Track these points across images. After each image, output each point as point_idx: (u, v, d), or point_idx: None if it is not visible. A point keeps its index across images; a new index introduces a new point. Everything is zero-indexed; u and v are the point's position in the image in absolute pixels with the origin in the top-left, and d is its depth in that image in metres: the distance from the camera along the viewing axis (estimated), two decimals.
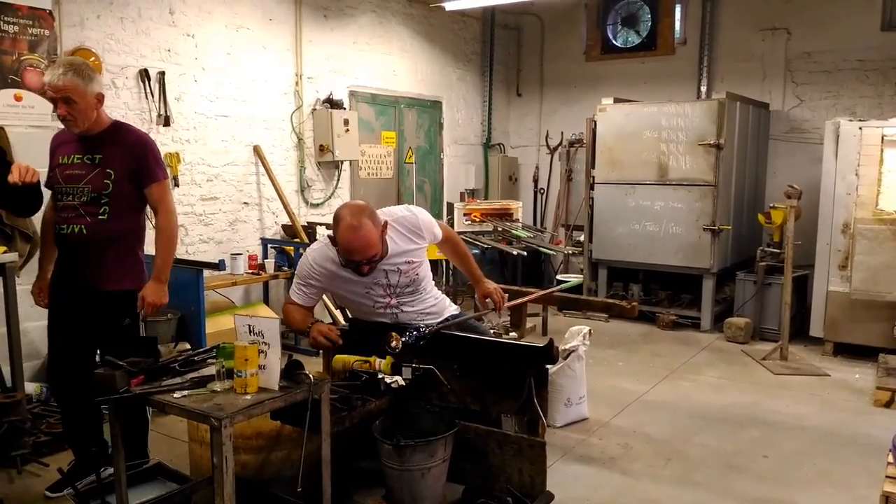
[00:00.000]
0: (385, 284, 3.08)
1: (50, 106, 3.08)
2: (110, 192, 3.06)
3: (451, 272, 7.28)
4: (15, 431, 3.61)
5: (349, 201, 3.06)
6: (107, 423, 3.19)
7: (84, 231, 3.06)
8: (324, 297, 4.48)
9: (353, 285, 3.08)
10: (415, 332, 2.92)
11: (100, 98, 3.05)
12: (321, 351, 3.31)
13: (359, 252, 2.87)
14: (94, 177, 3.05)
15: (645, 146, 6.69)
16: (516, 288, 5.01)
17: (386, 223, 2.97)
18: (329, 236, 3.01)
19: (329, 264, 3.06)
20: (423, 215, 3.19)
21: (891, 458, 2.65)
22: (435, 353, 2.98)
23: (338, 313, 5.60)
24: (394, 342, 2.86)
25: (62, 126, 3.13)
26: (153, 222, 3.29)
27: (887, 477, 2.60)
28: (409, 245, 3.08)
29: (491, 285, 3.50)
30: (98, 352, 3.22)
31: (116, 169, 3.07)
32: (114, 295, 3.14)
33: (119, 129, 3.18)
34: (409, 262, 3.08)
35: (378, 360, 2.92)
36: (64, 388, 3.25)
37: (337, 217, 2.91)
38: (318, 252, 3.10)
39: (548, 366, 2.95)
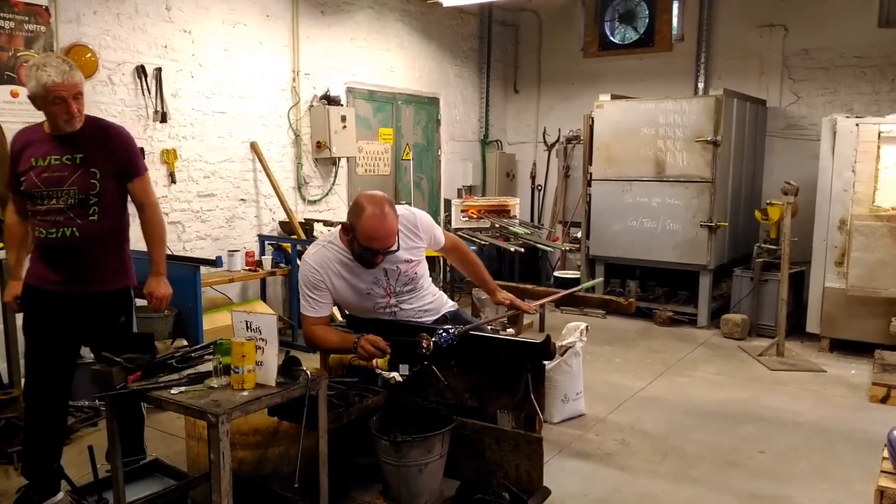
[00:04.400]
0: (385, 285, 3.07)
1: None
2: (98, 192, 2.98)
3: (448, 269, 7.29)
4: (11, 428, 3.62)
5: (367, 192, 2.99)
6: (99, 426, 3.22)
7: (77, 234, 2.97)
8: None
9: (354, 286, 3.04)
10: (443, 334, 2.87)
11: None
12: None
13: (381, 240, 2.84)
14: (79, 177, 2.95)
15: (642, 143, 6.70)
16: (513, 284, 5.01)
17: (398, 215, 2.97)
18: (343, 225, 2.95)
19: (331, 265, 3.00)
20: (421, 215, 3.18)
21: (886, 454, 2.66)
22: (432, 350, 2.98)
23: (335, 310, 5.59)
24: (424, 343, 2.82)
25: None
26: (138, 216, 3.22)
27: (882, 472, 2.61)
28: (408, 243, 3.07)
29: (507, 295, 3.42)
30: (89, 353, 3.20)
31: (101, 167, 2.98)
32: (109, 295, 3.10)
33: (95, 124, 3.08)
34: (408, 261, 3.07)
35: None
36: (43, 395, 3.13)
37: (359, 206, 2.86)
38: (318, 255, 3.03)
39: (545, 362, 2.95)
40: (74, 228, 2.97)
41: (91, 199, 2.98)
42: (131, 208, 3.22)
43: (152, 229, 3.18)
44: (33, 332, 3.14)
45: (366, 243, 2.85)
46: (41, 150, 2.97)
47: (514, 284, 4.86)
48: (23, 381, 3.63)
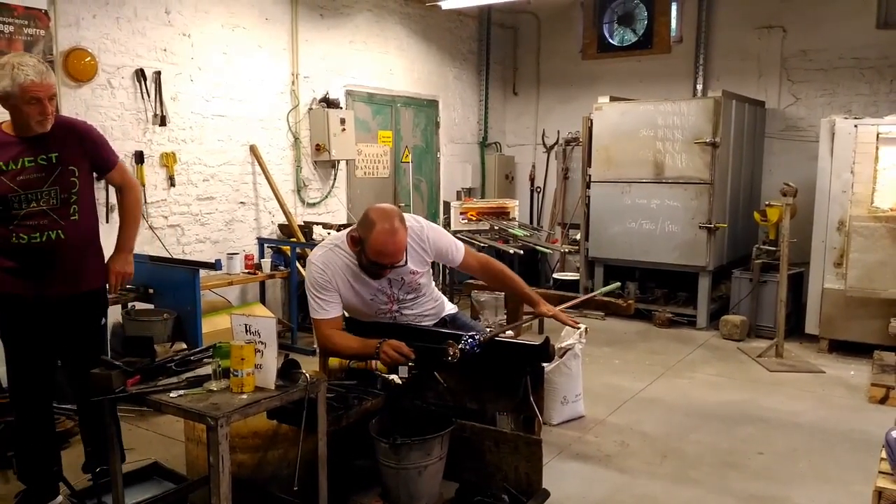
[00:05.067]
0: (389, 292, 3.07)
1: None
2: (77, 190, 2.97)
3: (447, 271, 7.29)
4: (9, 432, 3.60)
5: (377, 205, 2.95)
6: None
7: (62, 235, 2.93)
8: None
9: (357, 293, 3.04)
10: (470, 340, 2.81)
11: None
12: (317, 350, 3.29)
13: (391, 256, 2.84)
14: (59, 177, 2.92)
15: (641, 144, 6.70)
16: None
17: (407, 228, 2.96)
18: (352, 237, 2.93)
19: (337, 269, 2.99)
20: (429, 229, 3.13)
21: (884, 454, 2.66)
22: (459, 357, 2.95)
23: None
24: (451, 351, 2.77)
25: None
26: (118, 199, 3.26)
27: (880, 472, 2.62)
28: (415, 256, 3.05)
29: (550, 307, 3.26)
30: (69, 356, 3.17)
31: (78, 165, 2.98)
32: (89, 294, 3.10)
33: (62, 123, 3.02)
34: (412, 273, 3.06)
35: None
36: (31, 401, 3.12)
37: (369, 220, 2.84)
38: (324, 257, 3.01)
39: (544, 364, 2.96)
40: (59, 231, 2.94)
41: (72, 197, 2.96)
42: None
43: (130, 209, 3.21)
44: (13, 340, 3.10)
45: (375, 258, 2.85)
46: (10, 154, 2.88)
47: None
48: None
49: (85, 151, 3.02)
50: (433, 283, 3.33)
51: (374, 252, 2.83)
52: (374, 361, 2.93)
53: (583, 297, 4.07)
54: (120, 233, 3.22)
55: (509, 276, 3.33)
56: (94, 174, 3.13)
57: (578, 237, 7.45)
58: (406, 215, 3.11)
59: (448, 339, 2.84)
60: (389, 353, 2.82)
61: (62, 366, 3.27)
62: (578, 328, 3.53)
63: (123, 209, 3.23)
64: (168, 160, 5.34)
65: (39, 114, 2.85)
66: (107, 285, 3.19)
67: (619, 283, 6.74)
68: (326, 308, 2.95)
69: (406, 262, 2.93)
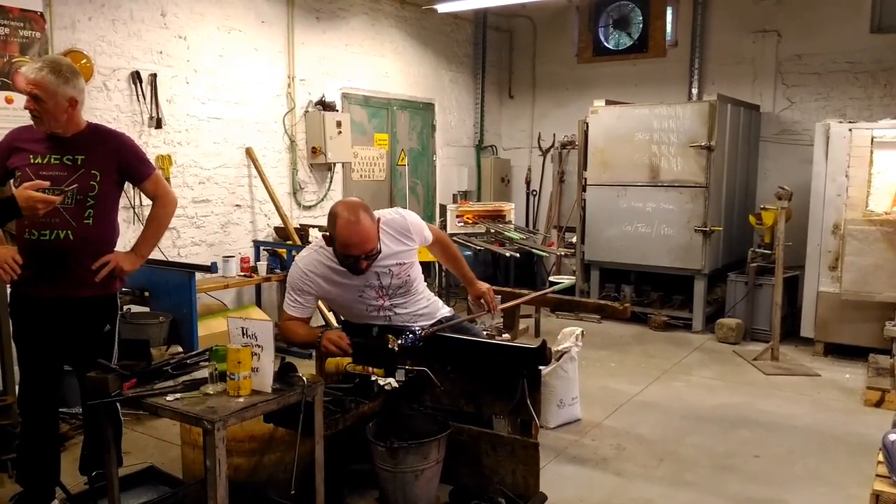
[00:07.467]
0: (377, 287, 3.09)
1: None
2: (96, 195, 2.97)
3: (443, 274, 7.29)
4: (5, 435, 3.60)
5: (343, 199, 3.04)
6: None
7: (71, 236, 2.93)
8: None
9: (345, 290, 3.08)
10: (411, 335, 2.93)
11: (72, 102, 2.91)
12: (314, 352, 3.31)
13: (357, 246, 2.87)
14: (79, 178, 2.93)
15: (636, 148, 6.72)
16: (509, 289, 5.01)
17: (379, 219, 3.00)
18: (324, 235, 3.01)
19: (321, 269, 3.05)
20: (411, 217, 3.21)
21: (881, 457, 2.67)
22: (428, 355, 2.99)
23: (331, 316, 5.59)
24: (390, 344, 2.85)
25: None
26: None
27: (877, 476, 2.62)
28: (398, 247, 3.10)
29: (483, 287, 3.51)
30: (77, 359, 3.14)
31: (102, 171, 2.98)
32: (95, 300, 3.07)
33: (98, 131, 3.08)
34: (399, 264, 3.10)
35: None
36: (36, 402, 3.11)
37: (333, 214, 2.92)
38: (308, 259, 3.09)
39: (540, 367, 2.96)
40: (69, 231, 2.93)
41: (88, 201, 2.96)
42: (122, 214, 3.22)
43: (155, 217, 3.19)
44: (22, 341, 3.11)
45: (343, 250, 2.91)
46: (40, 149, 2.95)
47: (509, 289, 4.86)
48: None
49: (117, 161, 3.03)
50: (424, 283, 3.35)
51: (341, 245, 2.90)
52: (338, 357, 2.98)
53: (533, 295, 4.21)
54: (139, 237, 3.20)
55: (455, 251, 3.56)
56: (128, 183, 3.15)
57: (574, 240, 7.46)
58: (386, 210, 3.21)
59: (389, 333, 2.93)
60: (327, 345, 2.94)
61: (72, 371, 3.26)
62: (496, 314, 3.70)
63: (149, 217, 3.22)
64: (164, 163, 5.32)
65: (26, 105, 2.89)
66: (115, 292, 3.16)
67: (573, 281, 6.81)
68: (295, 307, 3.12)
69: (380, 249, 2.96)
